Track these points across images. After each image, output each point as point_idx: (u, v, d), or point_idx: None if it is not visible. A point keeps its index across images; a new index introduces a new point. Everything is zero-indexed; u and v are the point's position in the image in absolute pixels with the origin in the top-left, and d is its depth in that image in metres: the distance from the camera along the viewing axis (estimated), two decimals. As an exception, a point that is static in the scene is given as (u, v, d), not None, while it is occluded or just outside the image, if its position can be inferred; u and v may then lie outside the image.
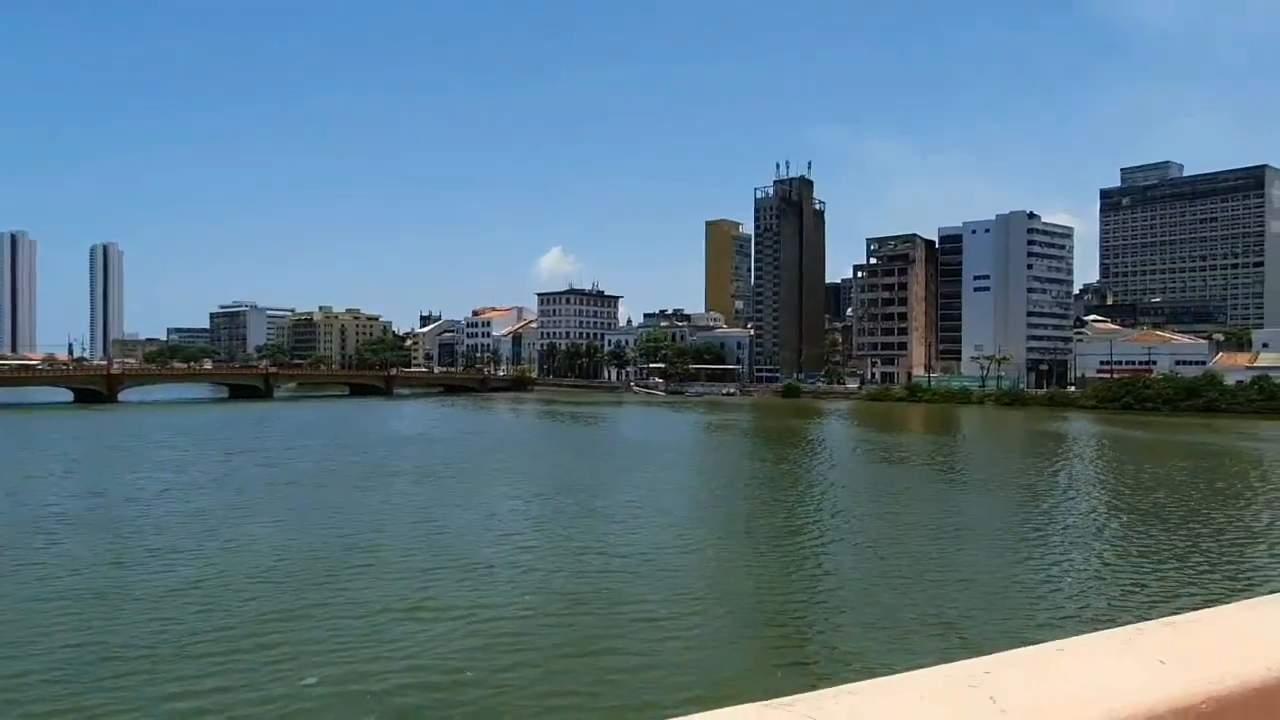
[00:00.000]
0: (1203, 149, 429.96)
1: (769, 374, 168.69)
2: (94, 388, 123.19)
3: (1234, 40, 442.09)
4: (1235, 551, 27.74)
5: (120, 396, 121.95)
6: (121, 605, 20.20)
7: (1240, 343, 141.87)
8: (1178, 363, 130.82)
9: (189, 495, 36.21)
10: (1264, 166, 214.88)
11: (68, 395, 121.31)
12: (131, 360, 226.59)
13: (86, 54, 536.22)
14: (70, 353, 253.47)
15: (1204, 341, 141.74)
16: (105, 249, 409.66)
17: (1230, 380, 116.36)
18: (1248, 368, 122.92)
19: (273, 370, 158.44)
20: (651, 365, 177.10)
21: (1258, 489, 42.81)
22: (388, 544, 26.86)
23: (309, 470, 45.47)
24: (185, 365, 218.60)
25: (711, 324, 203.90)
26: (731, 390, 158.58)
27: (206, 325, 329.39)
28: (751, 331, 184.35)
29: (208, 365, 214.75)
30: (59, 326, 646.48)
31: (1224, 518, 33.53)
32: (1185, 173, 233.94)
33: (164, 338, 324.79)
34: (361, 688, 15.37)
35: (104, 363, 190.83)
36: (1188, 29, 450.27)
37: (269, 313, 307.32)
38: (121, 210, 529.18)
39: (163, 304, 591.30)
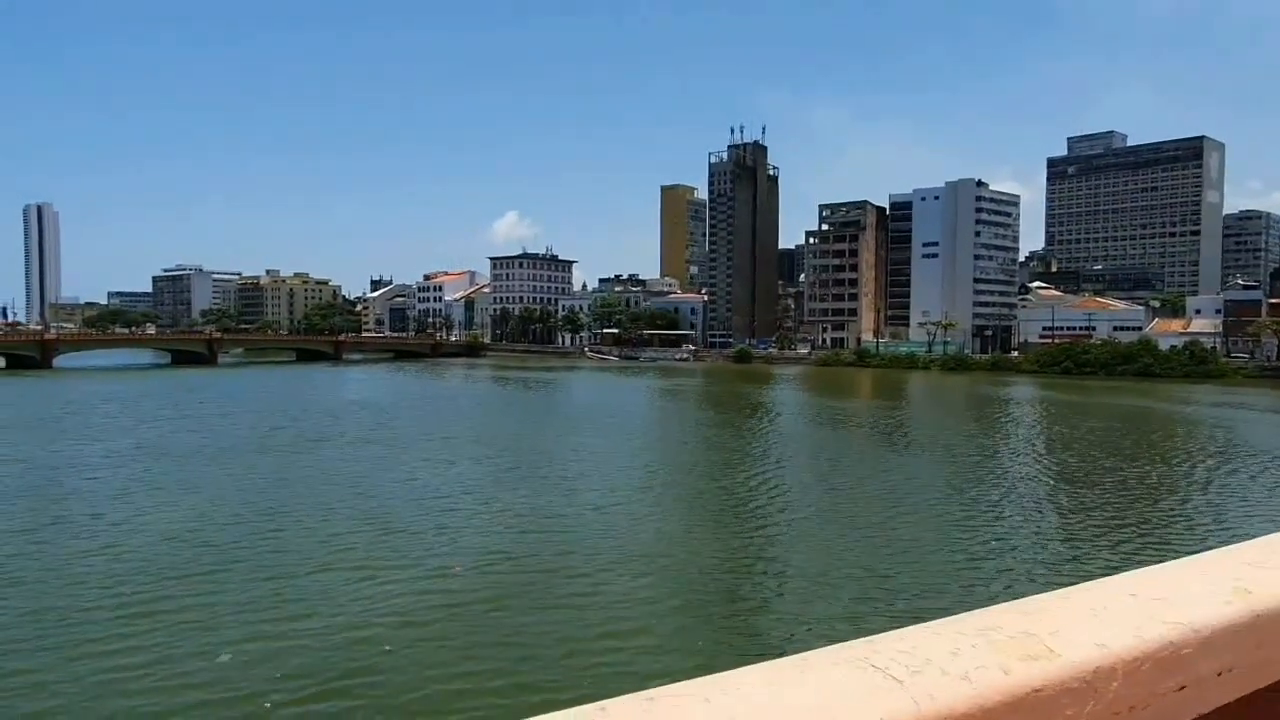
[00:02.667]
0: (1145, 119, 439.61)
1: (722, 339, 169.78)
2: (27, 353, 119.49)
3: (1166, 13, 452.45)
4: (1136, 516, 28.89)
5: (56, 363, 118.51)
6: (24, 576, 19.80)
7: (1175, 309, 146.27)
8: (1116, 329, 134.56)
9: (112, 463, 35.42)
10: (1202, 138, 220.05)
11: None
12: (69, 325, 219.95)
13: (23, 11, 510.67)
14: (5, 316, 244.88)
15: (1141, 308, 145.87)
16: (40, 209, 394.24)
17: (1164, 346, 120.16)
18: (1181, 333, 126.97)
19: (217, 335, 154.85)
20: (605, 331, 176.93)
21: (1162, 451, 44.49)
22: (316, 512, 26.62)
23: (244, 437, 44.75)
24: (126, 330, 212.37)
25: (666, 289, 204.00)
26: (684, 355, 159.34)
27: (149, 289, 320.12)
28: (705, 297, 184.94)
29: (150, 330, 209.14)
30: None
31: (1138, 483, 34.87)
32: (1129, 143, 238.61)
33: (104, 302, 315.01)
34: (274, 665, 15.27)
35: (39, 327, 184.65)
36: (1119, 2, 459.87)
37: (214, 276, 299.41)
38: (58, 169, 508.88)
39: (103, 267, 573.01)
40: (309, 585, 19.46)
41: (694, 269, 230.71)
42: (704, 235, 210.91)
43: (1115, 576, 1.45)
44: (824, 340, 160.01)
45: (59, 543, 22.78)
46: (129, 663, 15.15)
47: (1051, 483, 34.50)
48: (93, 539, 23.09)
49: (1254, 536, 1.42)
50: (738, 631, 17.43)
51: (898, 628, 1.07)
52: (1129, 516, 27.94)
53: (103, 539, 23.07)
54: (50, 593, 18.76)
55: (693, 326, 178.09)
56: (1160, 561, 1.37)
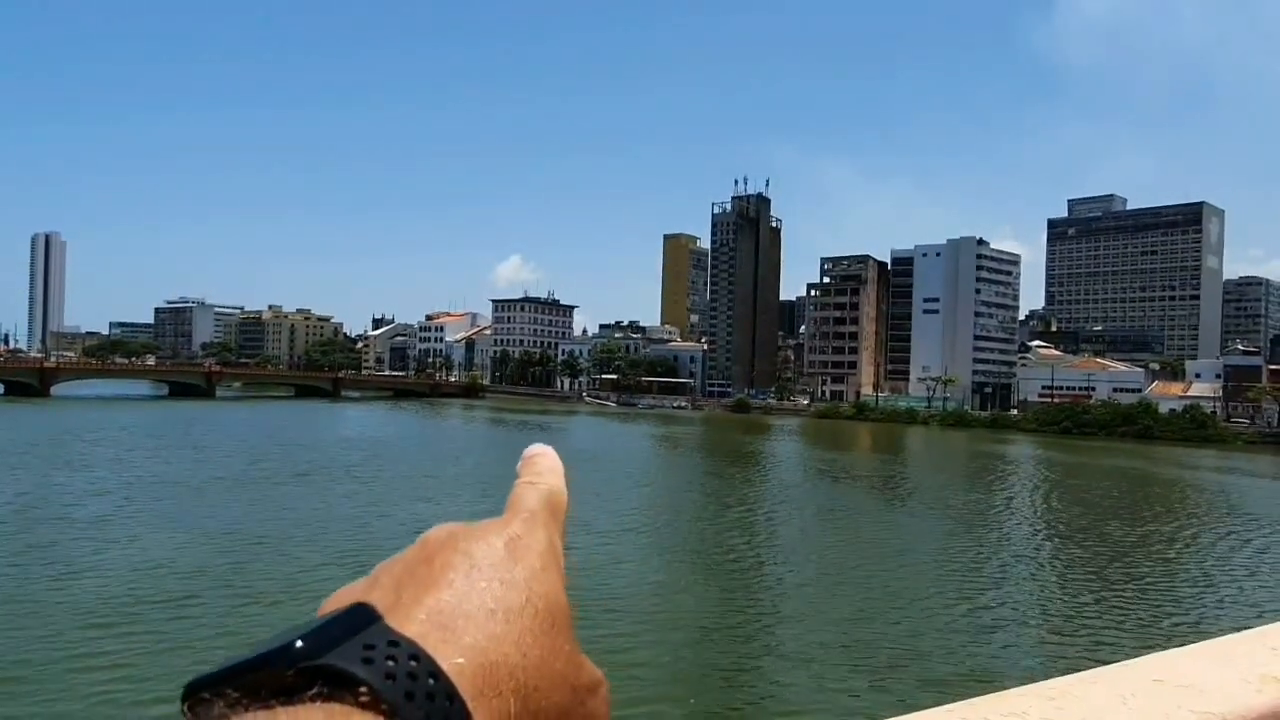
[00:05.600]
0: (1146, 185, 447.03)
1: (721, 388, 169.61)
2: (26, 380, 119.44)
3: (1159, 83, 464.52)
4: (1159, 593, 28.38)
5: (54, 391, 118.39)
6: None
7: (1175, 372, 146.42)
8: (1115, 390, 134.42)
9: (95, 491, 34.93)
10: (1202, 204, 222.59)
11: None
12: (70, 354, 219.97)
13: (29, 41, 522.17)
14: (6, 343, 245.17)
15: (1141, 370, 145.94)
16: (48, 239, 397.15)
17: (1164, 408, 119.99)
18: (1180, 397, 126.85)
19: (215, 369, 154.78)
20: (604, 376, 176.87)
21: (1172, 518, 43.98)
22: (296, 546, 26.14)
23: (232, 470, 44.25)
24: (126, 360, 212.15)
25: (666, 337, 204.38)
26: (682, 404, 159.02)
27: (151, 320, 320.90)
28: (705, 346, 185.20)
29: (149, 361, 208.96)
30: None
31: (1146, 549, 34.37)
32: (1129, 207, 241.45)
33: (106, 332, 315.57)
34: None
35: (39, 355, 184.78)
36: (1117, 71, 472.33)
37: (216, 310, 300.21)
38: (65, 199, 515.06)
39: (106, 297, 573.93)
40: (283, 619, 18.94)
41: (694, 318, 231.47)
42: (705, 284, 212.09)
43: (1138, 659, 1.38)
44: (823, 392, 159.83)
45: (32, 569, 22.29)
46: (95, 691, 14.68)
47: (1058, 548, 34.00)
48: (67, 565, 22.63)
49: (1273, 613, 1.44)
50: (721, 686, 16.88)
51: (902, 702, 1.06)
52: (1139, 586, 27.38)
53: (78, 565, 22.61)
54: (17, 621, 18.25)
55: (692, 375, 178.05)
56: (1174, 639, 1.24)
